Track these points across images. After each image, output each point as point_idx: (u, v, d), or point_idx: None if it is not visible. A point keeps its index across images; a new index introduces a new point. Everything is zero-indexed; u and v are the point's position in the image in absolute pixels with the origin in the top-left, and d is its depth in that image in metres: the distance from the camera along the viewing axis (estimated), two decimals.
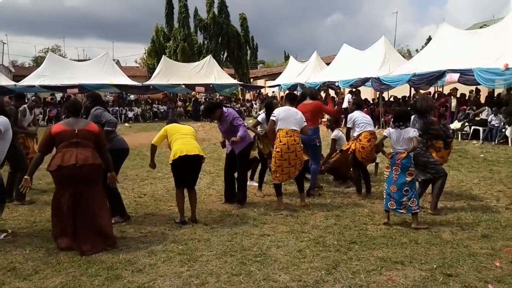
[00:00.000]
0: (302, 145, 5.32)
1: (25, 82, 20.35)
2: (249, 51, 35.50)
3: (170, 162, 4.66)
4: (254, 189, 6.16)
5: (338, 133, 6.53)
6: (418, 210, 4.46)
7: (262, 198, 5.85)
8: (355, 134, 5.70)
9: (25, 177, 3.99)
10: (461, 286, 3.08)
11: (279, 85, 24.98)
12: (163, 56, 25.50)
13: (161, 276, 3.37)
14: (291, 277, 3.30)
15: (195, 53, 32.67)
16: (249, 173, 6.35)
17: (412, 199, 4.42)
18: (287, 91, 24.74)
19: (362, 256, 3.67)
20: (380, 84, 15.33)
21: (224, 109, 5.47)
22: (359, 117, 5.73)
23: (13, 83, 20.62)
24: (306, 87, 19.84)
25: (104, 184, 4.24)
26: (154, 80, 23.00)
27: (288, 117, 5.16)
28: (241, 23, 33.83)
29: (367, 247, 3.88)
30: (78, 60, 29.65)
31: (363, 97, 18.63)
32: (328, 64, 21.78)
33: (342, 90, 19.77)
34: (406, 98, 16.85)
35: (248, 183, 6.04)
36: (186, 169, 4.68)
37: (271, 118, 5.27)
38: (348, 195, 5.89)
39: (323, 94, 18.98)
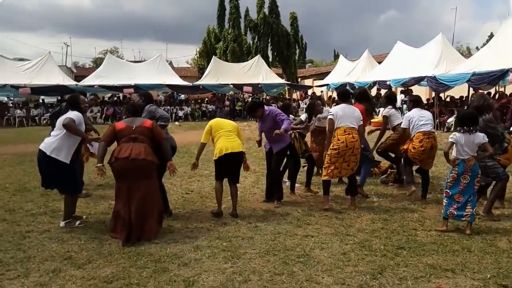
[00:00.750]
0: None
1: (86, 82, 21.74)
2: (297, 50, 35.34)
3: (215, 158, 4.85)
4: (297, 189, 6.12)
5: (389, 110, 6.25)
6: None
7: (300, 199, 5.82)
8: (412, 134, 5.45)
9: (98, 165, 4.33)
10: None
11: (327, 85, 24.62)
12: (213, 57, 26.12)
13: (206, 271, 3.46)
14: (334, 279, 3.25)
15: (244, 53, 33.07)
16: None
17: (475, 208, 4.24)
18: (334, 91, 24.35)
19: (410, 262, 3.52)
20: (437, 84, 14.59)
21: (266, 107, 5.53)
22: (415, 116, 5.43)
23: (74, 83, 22.07)
24: (356, 86, 19.41)
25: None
26: (203, 80, 23.62)
27: (346, 115, 5.09)
28: (291, 22, 33.72)
29: (415, 253, 3.71)
30: (134, 61, 31.18)
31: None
32: (380, 62, 21.12)
33: (393, 89, 19.08)
34: (464, 99, 15.91)
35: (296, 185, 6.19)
36: (230, 165, 4.92)
37: (329, 117, 5.20)
38: (397, 199, 5.67)
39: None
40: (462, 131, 4.21)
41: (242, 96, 26.06)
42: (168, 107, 22.89)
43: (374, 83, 18.47)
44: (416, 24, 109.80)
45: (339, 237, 4.20)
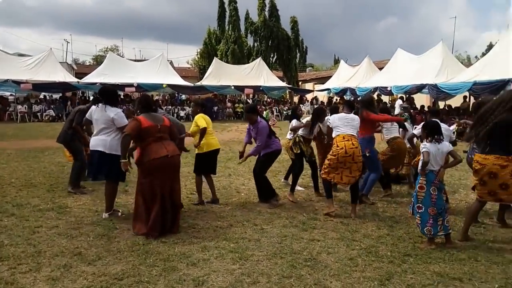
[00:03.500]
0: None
1: (87, 79, 21.70)
2: (298, 54, 35.46)
3: (201, 152, 5.55)
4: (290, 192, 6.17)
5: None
6: (451, 230, 4.20)
7: (305, 203, 5.86)
8: None
9: (122, 160, 4.43)
10: None
11: (328, 89, 24.74)
12: (215, 58, 26.18)
13: (214, 272, 3.49)
14: (342, 284, 3.29)
15: (245, 55, 33.16)
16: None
17: (446, 219, 4.11)
18: (335, 96, 24.43)
19: (417, 270, 3.56)
20: (438, 92, 14.71)
21: (259, 119, 5.67)
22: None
23: (76, 80, 22.03)
24: (357, 92, 19.53)
25: None
26: (205, 81, 23.67)
27: (344, 123, 5.16)
28: (291, 26, 33.89)
29: (422, 261, 3.75)
30: (135, 60, 31.15)
31: (418, 105, 17.99)
32: (380, 69, 21.25)
33: (395, 96, 19.23)
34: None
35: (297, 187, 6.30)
36: (213, 159, 5.68)
37: (327, 123, 5.40)
38: (402, 205, 5.72)
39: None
40: (429, 141, 4.10)
41: (244, 98, 26.13)
42: (170, 107, 22.92)
43: (375, 89, 18.59)
44: (416, 32, 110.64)
45: (345, 242, 4.24)
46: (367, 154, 5.66)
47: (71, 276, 3.35)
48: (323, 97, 28.83)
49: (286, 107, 26.21)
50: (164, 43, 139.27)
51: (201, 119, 5.54)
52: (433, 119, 4.95)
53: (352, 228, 4.70)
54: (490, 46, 23.81)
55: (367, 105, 5.80)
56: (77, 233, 4.37)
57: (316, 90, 29.16)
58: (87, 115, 5.12)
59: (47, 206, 5.36)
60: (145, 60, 29.82)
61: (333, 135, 5.20)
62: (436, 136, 4.11)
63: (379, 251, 4.00)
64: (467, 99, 16.17)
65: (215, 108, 23.39)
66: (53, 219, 4.82)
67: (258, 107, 24.04)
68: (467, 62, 34.56)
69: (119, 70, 22.09)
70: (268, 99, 29.21)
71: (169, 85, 22.07)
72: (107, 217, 4.86)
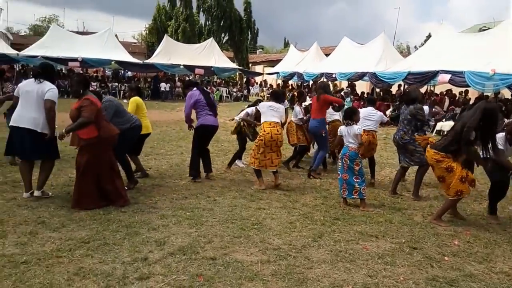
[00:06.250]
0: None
1: (28, 52, 20.45)
2: (249, 36, 35.74)
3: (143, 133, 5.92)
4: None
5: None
6: (365, 197, 5.07)
7: (253, 179, 6.42)
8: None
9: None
10: (422, 256, 3.71)
11: (277, 73, 25.41)
12: (166, 35, 25.76)
13: (174, 234, 3.97)
14: (283, 241, 3.92)
15: (196, 34, 32.84)
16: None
17: (363, 186, 5.02)
18: (280, 81, 25.24)
19: (343, 230, 4.29)
20: (377, 80, 15.86)
21: (192, 90, 6.15)
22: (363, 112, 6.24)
23: (14, 51, 20.66)
24: (304, 77, 20.41)
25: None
26: (155, 59, 23.28)
27: (272, 111, 5.82)
28: (244, 7, 33.96)
29: (348, 223, 4.50)
30: (78, 33, 29.63)
31: (359, 91, 19.21)
32: (327, 55, 22.22)
33: (339, 82, 20.34)
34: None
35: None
36: (141, 142, 6.23)
37: (257, 108, 6.22)
38: (337, 180, 6.48)
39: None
40: (344, 124, 5.19)
41: (195, 78, 26.05)
42: (116, 84, 22.38)
43: (321, 74, 19.50)
44: (363, 18, 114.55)
45: (286, 210, 4.89)
46: (323, 134, 6.50)
47: (38, 241, 3.65)
48: (272, 80, 29.57)
49: (236, 89, 26.63)
50: (108, 15, 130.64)
51: (133, 104, 6.00)
52: (351, 107, 5.99)
53: (293, 199, 5.37)
54: (429, 37, 25.59)
55: (326, 90, 6.64)
56: (37, 204, 4.60)
57: (266, 73, 29.77)
58: (15, 93, 4.86)
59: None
60: (87, 32, 28.53)
61: (262, 121, 5.89)
62: (347, 121, 5.19)
63: (314, 216, 4.70)
64: (401, 88, 17.57)
65: (166, 87, 23.18)
66: (9, 192, 4.98)
67: (208, 87, 24.29)
68: (407, 52, 36.97)
69: (62, 43, 21.04)
70: (218, 80, 29.42)
71: (117, 62, 21.46)
72: (40, 195, 4.85)
